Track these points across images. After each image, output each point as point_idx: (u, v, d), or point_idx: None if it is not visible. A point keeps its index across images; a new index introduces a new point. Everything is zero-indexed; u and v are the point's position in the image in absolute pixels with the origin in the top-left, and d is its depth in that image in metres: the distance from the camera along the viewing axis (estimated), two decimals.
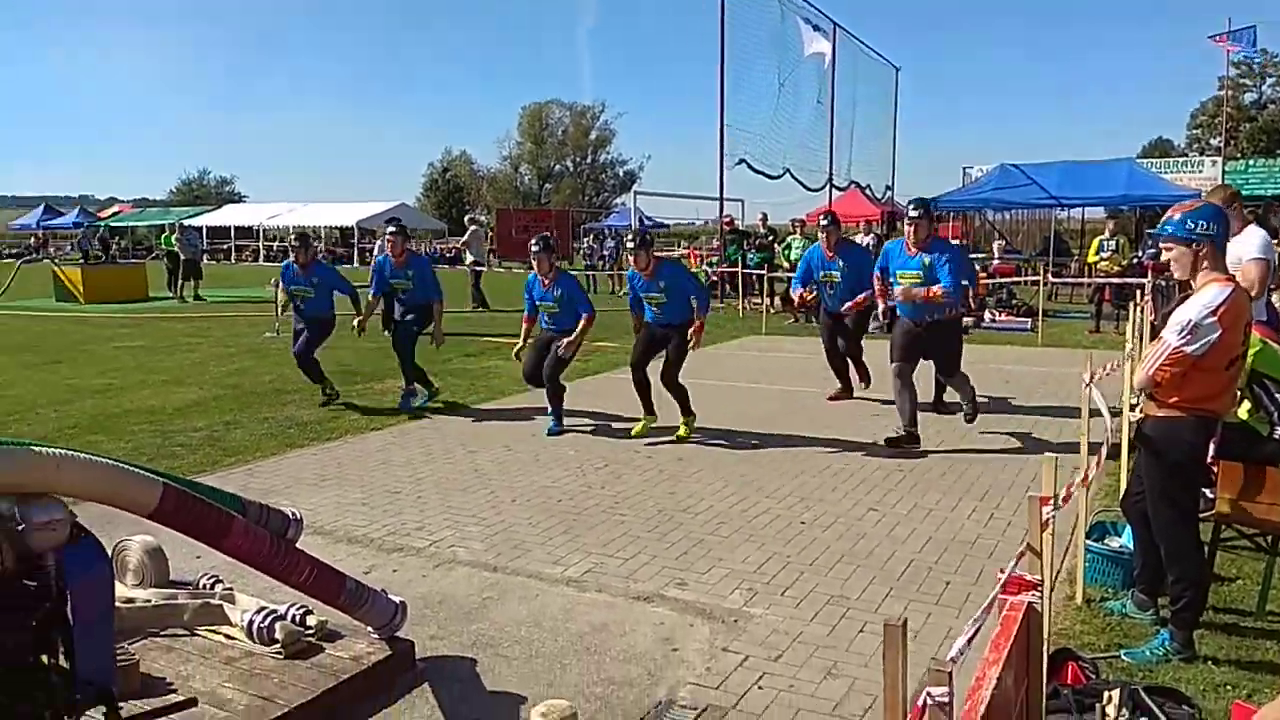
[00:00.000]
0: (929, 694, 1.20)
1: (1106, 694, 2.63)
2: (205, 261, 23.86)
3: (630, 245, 7.12)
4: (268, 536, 3.10)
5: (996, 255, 20.60)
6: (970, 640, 1.44)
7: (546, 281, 7.19)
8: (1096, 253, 15.11)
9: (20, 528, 2.35)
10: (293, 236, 8.48)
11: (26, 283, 21.31)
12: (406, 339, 8.29)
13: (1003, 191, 20.29)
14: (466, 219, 22.76)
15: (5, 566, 2.42)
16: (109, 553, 2.65)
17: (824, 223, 8.34)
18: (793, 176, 20.84)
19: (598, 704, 3.23)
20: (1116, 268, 14.46)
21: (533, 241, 7.42)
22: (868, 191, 25.89)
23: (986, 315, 15.28)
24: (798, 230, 18.68)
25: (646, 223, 35.80)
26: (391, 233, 8.39)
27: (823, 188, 22.23)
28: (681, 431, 7.04)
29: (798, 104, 21.43)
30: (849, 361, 8.58)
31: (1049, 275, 16.78)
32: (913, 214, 6.71)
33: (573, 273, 8.88)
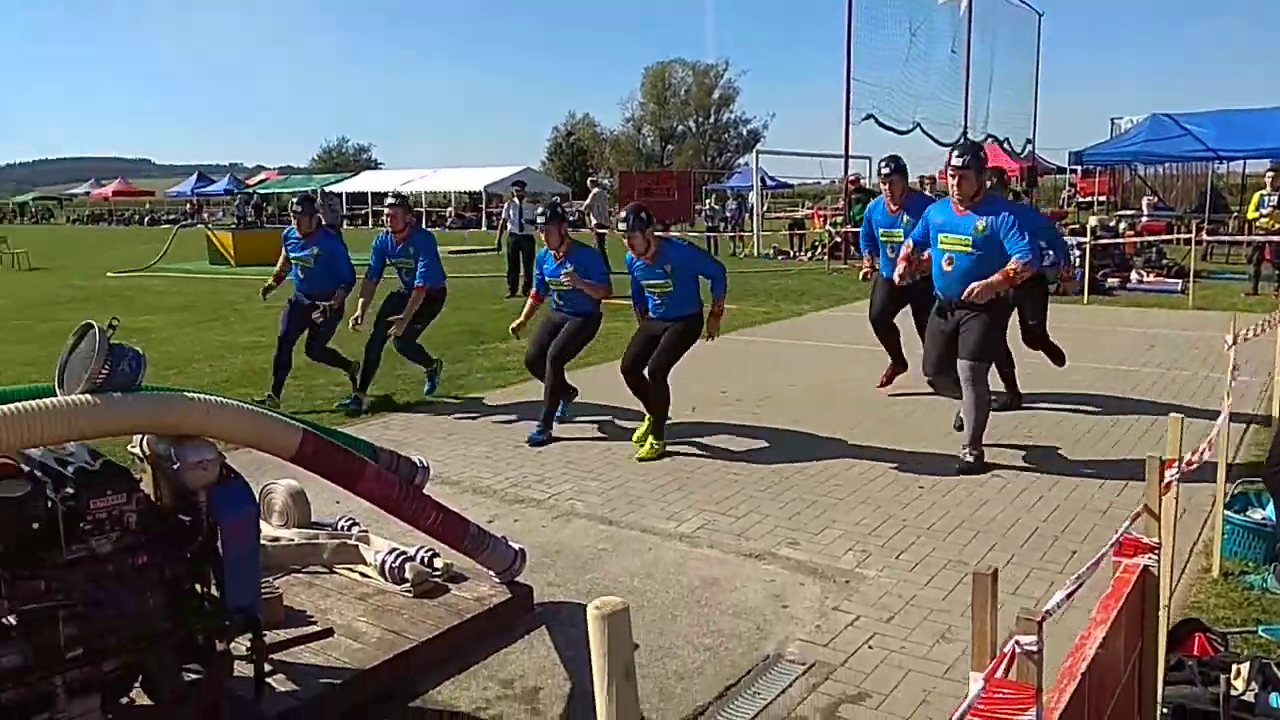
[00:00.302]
0: (1017, 642, 1.20)
1: (1235, 667, 2.51)
2: (345, 226, 24.92)
3: (622, 226, 5.75)
4: (397, 482, 3.28)
5: (1145, 212, 19.43)
6: (1070, 595, 1.42)
7: (558, 255, 6.24)
8: (1256, 209, 13.98)
9: (175, 466, 2.57)
10: (294, 201, 7.39)
11: (183, 246, 22.83)
12: (410, 331, 7.29)
13: (1154, 144, 19.04)
14: (589, 182, 23.05)
15: (162, 502, 2.67)
16: (256, 494, 2.87)
17: (885, 171, 6.74)
18: (923, 131, 20.18)
19: (706, 654, 3.30)
20: (1278, 225, 13.40)
21: (539, 211, 6.55)
22: (1006, 145, 24.74)
23: (1134, 276, 14.51)
24: (927, 188, 18.06)
25: (770, 182, 35.38)
26: (391, 204, 7.26)
27: (956, 142, 21.38)
28: (644, 451, 5.68)
29: (930, 55, 20.71)
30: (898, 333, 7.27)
31: (1203, 233, 15.71)
32: (956, 162, 5.22)
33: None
